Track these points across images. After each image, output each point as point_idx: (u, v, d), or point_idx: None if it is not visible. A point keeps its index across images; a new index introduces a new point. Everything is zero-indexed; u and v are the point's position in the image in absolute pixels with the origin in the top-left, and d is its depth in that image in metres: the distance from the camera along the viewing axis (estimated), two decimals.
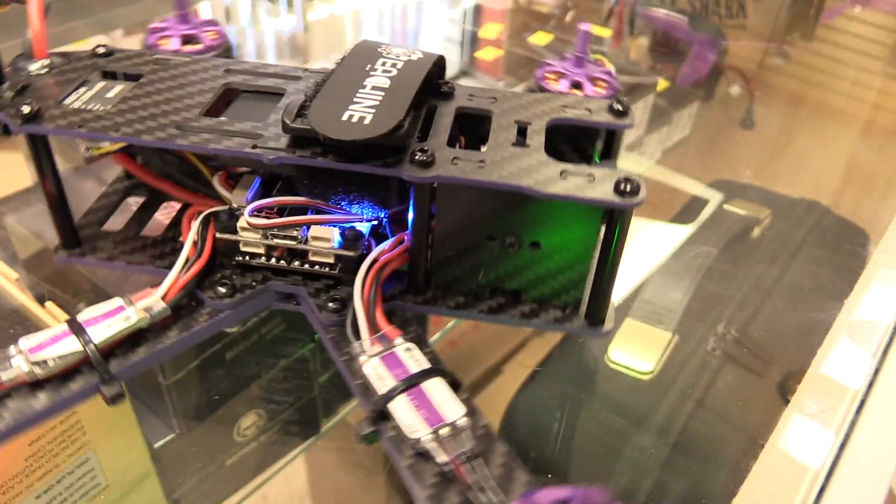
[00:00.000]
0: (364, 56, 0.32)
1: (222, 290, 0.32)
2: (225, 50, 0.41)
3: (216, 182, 0.35)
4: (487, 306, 0.33)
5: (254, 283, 0.33)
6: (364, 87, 0.30)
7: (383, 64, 0.31)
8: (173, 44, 0.40)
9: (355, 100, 0.29)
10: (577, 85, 0.39)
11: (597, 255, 0.32)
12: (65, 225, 0.34)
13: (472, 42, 0.80)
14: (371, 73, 0.31)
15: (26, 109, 0.30)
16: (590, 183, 0.29)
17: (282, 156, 0.29)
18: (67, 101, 0.32)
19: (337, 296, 0.32)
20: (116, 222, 0.37)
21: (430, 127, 0.32)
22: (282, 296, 0.34)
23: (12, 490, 0.31)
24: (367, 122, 0.28)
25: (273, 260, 0.33)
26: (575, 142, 0.33)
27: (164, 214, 0.38)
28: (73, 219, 0.35)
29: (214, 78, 0.34)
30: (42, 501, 0.32)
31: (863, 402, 0.34)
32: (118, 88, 0.33)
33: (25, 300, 0.36)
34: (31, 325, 0.35)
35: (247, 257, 0.33)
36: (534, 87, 0.41)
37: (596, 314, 0.33)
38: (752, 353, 0.48)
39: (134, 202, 0.38)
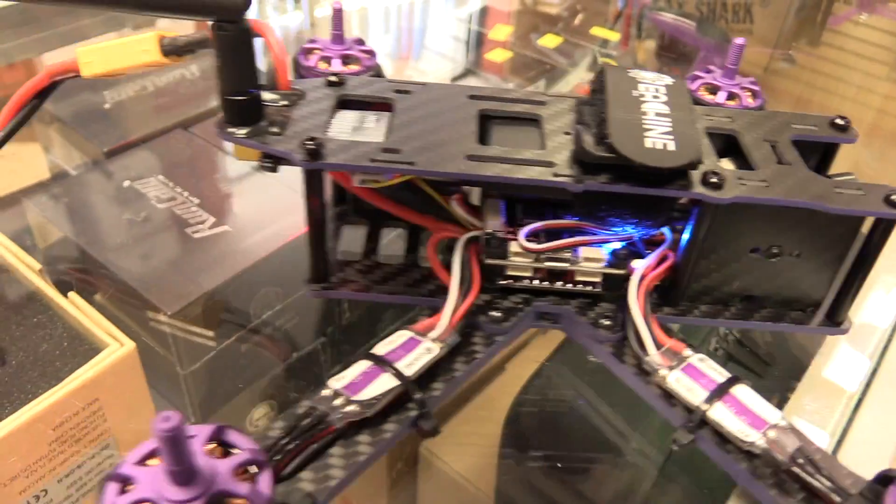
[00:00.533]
0: (623, 82, 0.32)
1: (497, 314, 0.33)
2: (376, 70, 0.40)
3: (457, 207, 0.35)
4: (733, 313, 0.34)
5: (520, 306, 0.33)
6: (647, 113, 0.31)
7: (647, 90, 0.32)
8: (335, 65, 0.39)
9: (648, 127, 0.30)
10: (732, 96, 0.40)
11: (849, 259, 0.33)
12: (319, 259, 0.34)
13: (478, 42, 0.81)
14: (643, 100, 0.32)
15: (311, 146, 0.29)
16: (862, 196, 0.31)
17: (589, 183, 0.30)
18: (331, 133, 0.31)
19: (607, 312, 0.33)
20: (344, 251, 0.37)
21: None
22: (538, 315, 0.34)
23: (36, 473, 0.32)
24: (672, 148, 0.29)
25: (536, 282, 0.34)
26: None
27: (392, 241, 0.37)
28: (329, 253, 0.35)
29: (464, 105, 0.34)
30: (64, 485, 0.33)
31: (859, 403, 0.35)
32: (373, 118, 0.33)
33: (49, 290, 0.37)
34: (54, 314, 0.36)
35: (511, 280, 0.33)
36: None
37: (838, 314, 0.34)
38: (753, 354, 0.49)
39: (353, 229, 0.38)
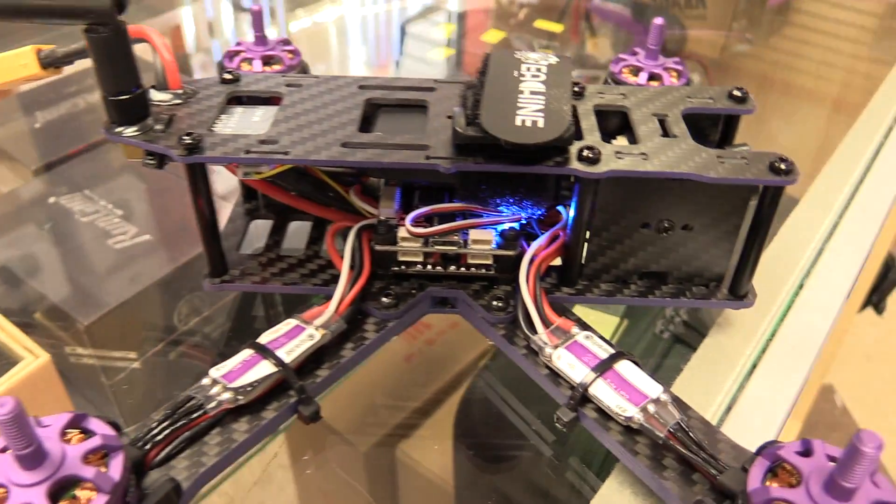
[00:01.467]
0: (506, 64, 0.33)
1: (387, 300, 0.33)
2: (302, 69, 0.41)
3: (354, 196, 0.36)
4: (635, 291, 0.34)
5: (413, 291, 0.34)
6: (522, 92, 0.31)
7: (528, 70, 0.32)
8: (256, 66, 0.40)
9: (520, 105, 0.30)
10: (654, 77, 0.40)
11: (744, 231, 0.33)
12: (214, 253, 0.34)
13: (458, 46, 0.81)
14: (522, 79, 0.32)
15: (188, 140, 0.29)
16: (746, 165, 0.30)
17: (459, 164, 0.30)
18: (216, 128, 0.32)
19: (498, 294, 0.33)
20: (250, 243, 0.37)
21: (578, 125, 0.33)
22: (435, 301, 0.35)
23: None
24: (541, 125, 0.29)
25: (429, 266, 0.34)
26: (697, 129, 0.35)
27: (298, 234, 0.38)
28: (223, 246, 0.35)
29: (352, 95, 0.34)
30: None
31: (752, 370, 0.35)
32: (261, 112, 0.34)
33: None
34: None
35: (404, 266, 0.34)
36: (609, 81, 0.42)
37: (740, 287, 0.34)
38: (700, 335, 0.48)
39: (262, 224, 0.38)
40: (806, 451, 0.24)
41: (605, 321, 0.48)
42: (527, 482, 0.42)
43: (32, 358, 0.35)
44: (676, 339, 0.47)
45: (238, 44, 0.41)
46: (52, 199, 0.45)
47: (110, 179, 0.47)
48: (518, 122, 0.29)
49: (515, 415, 0.43)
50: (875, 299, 0.84)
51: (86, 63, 0.30)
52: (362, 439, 0.45)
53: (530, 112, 0.30)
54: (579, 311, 0.48)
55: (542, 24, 0.76)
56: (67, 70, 0.34)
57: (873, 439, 0.20)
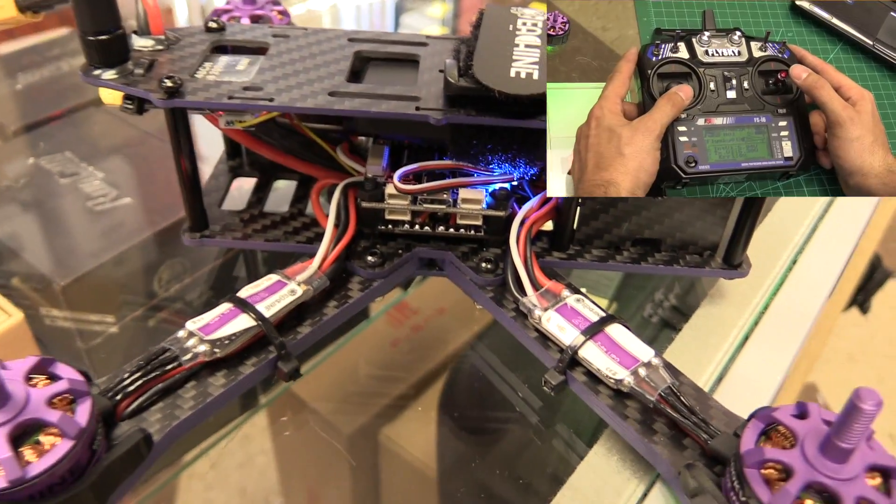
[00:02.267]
0: (501, 18, 0.32)
1: (372, 259, 0.32)
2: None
3: (341, 154, 0.35)
4: (628, 257, 0.34)
5: (400, 251, 0.33)
6: (517, 45, 0.31)
7: (524, 24, 0.32)
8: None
9: (515, 58, 0.30)
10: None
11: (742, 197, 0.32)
12: (195, 206, 0.33)
13: (453, 25, 0.80)
14: (518, 34, 0.31)
15: (169, 84, 0.29)
16: None
17: (450, 116, 0.29)
18: (198, 75, 0.31)
19: (487, 256, 0.32)
20: (233, 202, 0.36)
21: None
22: (422, 262, 0.34)
23: None
24: (536, 77, 0.29)
25: (417, 226, 0.33)
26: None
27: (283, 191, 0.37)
28: (204, 202, 0.34)
29: (341, 47, 0.34)
30: None
31: (746, 340, 0.34)
32: (246, 61, 0.33)
33: None
34: None
35: (391, 225, 0.33)
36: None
37: (735, 257, 0.33)
38: (687, 318, 0.48)
39: (245, 182, 0.37)
40: (801, 414, 0.23)
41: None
42: (513, 450, 0.42)
43: (5, 316, 0.34)
44: (665, 324, 0.47)
45: (228, 2, 0.40)
46: (31, 160, 0.44)
47: (92, 142, 0.46)
48: (512, 73, 0.29)
49: (503, 381, 0.43)
50: (860, 299, 0.84)
51: (71, 25, 0.29)
52: (345, 422, 0.44)
53: (525, 64, 0.29)
54: None
55: (538, 5, 0.76)
56: (52, 33, 0.33)
57: (872, 396, 0.20)
